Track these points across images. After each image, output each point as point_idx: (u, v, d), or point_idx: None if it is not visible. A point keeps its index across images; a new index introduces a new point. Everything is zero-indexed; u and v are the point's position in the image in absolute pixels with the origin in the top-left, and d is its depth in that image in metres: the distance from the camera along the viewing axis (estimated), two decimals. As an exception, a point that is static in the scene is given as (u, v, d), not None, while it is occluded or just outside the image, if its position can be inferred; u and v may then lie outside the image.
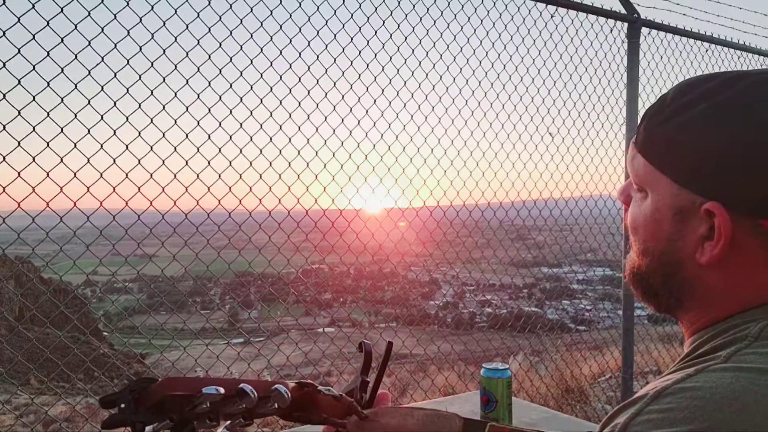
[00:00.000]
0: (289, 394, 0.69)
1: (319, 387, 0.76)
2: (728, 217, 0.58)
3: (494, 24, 3.45)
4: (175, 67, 2.49)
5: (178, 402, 0.62)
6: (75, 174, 2.29)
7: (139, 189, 2.42)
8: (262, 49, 2.72)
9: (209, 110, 2.56)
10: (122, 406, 0.61)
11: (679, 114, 0.62)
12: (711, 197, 0.59)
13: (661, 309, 0.69)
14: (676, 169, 0.62)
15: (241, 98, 2.69)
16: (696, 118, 0.60)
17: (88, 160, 2.30)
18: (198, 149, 2.55)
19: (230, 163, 2.67)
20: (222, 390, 0.63)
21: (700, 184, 0.60)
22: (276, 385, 0.69)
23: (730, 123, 0.58)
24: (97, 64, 2.30)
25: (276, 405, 0.69)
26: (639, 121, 0.69)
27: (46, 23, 2.19)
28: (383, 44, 3.05)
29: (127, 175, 2.39)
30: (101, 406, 0.62)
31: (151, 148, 2.43)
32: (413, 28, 3.13)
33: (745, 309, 0.61)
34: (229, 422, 0.70)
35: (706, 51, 4.30)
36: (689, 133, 0.60)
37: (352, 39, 2.93)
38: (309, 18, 2.82)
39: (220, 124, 2.62)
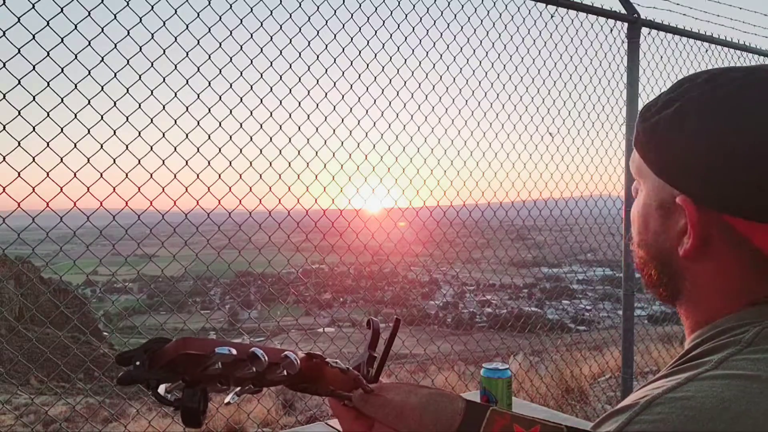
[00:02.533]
0: (299, 362, 0.69)
1: (328, 359, 0.77)
2: (695, 210, 0.60)
3: (494, 24, 3.46)
4: (175, 67, 2.49)
5: (191, 361, 0.63)
6: (75, 174, 2.29)
7: (139, 189, 2.42)
8: (262, 49, 2.72)
9: (209, 110, 2.57)
10: (137, 363, 0.61)
11: (662, 111, 0.65)
12: (681, 190, 0.61)
13: (663, 298, 0.71)
14: (662, 165, 0.64)
15: (241, 98, 2.69)
16: (672, 114, 0.63)
17: (88, 160, 2.30)
18: (198, 149, 2.55)
19: (230, 163, 2.67)
20: (234, 351, 0.63)
21: (673, 177, 0.62)
22: (286, 352, 0.69)
23: (697, 121, 0.60)
24: (97, 64, 2.30)
25: (285, 372, 0.69)
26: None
27: (46, 23, 2.19)
28: (383, 44, 3.05)
29: (127, 175, 2.39)
30: (117, 363, 0.62)
31: (151, 148, 2.43)
32: (413, 28, 3.13)
33: (737, 308, 0.60)
34: (238, 388, 0.70)
35: (706, 51, 4.30)
36: (666, 128, 0.63)
37: (352, 39, 2.93)
38: (309, 18, 2.82)
39: (220, 124, 2.62)
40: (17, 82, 2.15)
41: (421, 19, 3.15)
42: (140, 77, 2.38)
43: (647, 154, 0.66)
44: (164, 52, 2.48)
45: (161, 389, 0.63)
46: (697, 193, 0.60)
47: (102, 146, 2.32)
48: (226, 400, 0.72)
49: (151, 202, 2.50)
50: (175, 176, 2.53)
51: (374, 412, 0.79)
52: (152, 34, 2.44)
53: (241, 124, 2.69)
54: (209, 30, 2.53)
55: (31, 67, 2.17)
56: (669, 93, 0.66)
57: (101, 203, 2.35)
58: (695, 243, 0.61)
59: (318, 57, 2.88)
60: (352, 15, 2.93)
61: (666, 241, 0.65)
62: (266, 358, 0.65)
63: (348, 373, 0.79)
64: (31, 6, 2.16)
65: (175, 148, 2.51)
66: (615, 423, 0.54)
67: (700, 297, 0.64)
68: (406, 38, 3.11)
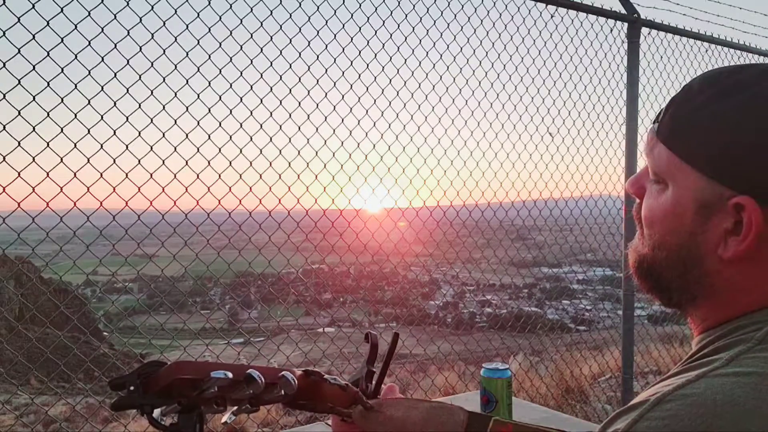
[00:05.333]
0: (296, 382, 0.69)
1: (326, 376, 0.76)
2: (760, 212, 0.56)
3: (494, 24, 3.45)
4: (175, 67, 2.49)
5: (186, 386, 0.63)
6: (75, 174, 2.29)
7: (139, 189, 2.42)
8: (262, 49, 2.72)
9: (209, 110, 2.56)
10: (131, 389, 0.61)
11: (712, 104, 0.60)
12: (742, 191, 0.57)
13: (670, 304, 0.68)
14: (706, 161, 0.59)
15: (241, 98, 2.69)
16: (732, 108, 0.58)
17: (88, 160, 2.30)
18: (198, 149, 2.55)
19: (230, 163, 2.67)
20: (230, 374, 0.63)
21: (732, 177, 0.58)
22: (283, 372, 0.69)
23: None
24: (97, 64, 2.30)
25: (283, 392, 0.69)
26: (662, 111, 0.66)
27: (46, 23, 2.19)
28: (383, 44, 3.05)
29: (127, 175, 2.39)
30: (111, 389, 0.62)
31: (151, 148, 2.43)
32: (413, 28, 3.13)
33: (758, 308, 0.60)
34: (235, 408, 0.70)
35: (706, 51, 4.30)
36: (724, 124, 0.58)
37: (352, 39, 2.93)
38: (309, 18, 2.82)
39: (220, 124, 2.62)
40: (17, 82, 2.15)
41: (421, 19, 3.15)
42: (140, 77, 2.38)
43: (687, 151, 0.61)
44: (164, 52, 2.47)
45: (156, 413, 0.64)
46: (764, 195, 0.56)
47: (102, 146, 2.32)
48: (223, 420, 0.72)
49: (151, 202, 2.50)
50: (175, 176, 2.53)
51: (375, 429, 0.78)
52: (152, 34, 2.44)
53: (241, 124, 2.69)
54: (209, 30, 2.53)
55: (31, 67, 2.17)
56: (709, 86, 0.61)
57: (101, 203, 2.35)
58: (751, 245, 0.57)
59: (318, 57, 2.88)
60: (352, 15, 2.93)
61: (704, 242, 0.61)
62: (263, 379, 0.65)
63: (347, 390, 0.78)
64: (31, 6, 2.16)
65: (175, 148, 2.51)
66: (625, 421, 0.53)
67: (727, 298, 0.62)
68: (406, 38, 3.11)
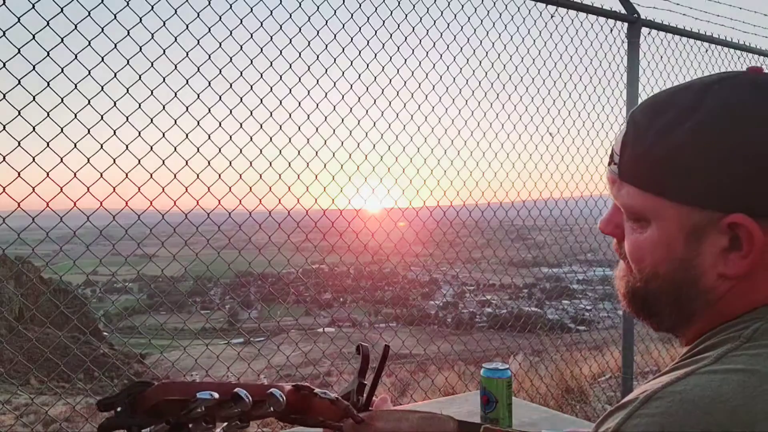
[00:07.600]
0: (284, 398, 0.70)
1: (316, 390, 0.76)
2: (758, 226, 0.57)
3: (494, 24, 3.46)
4: (175, 67, 2.49)
5: (173, 406, 0.63)
6: (75, 174, 2.29)
7: (139, 189, 2.42)
8: (262, 49, 2.72)
9: (209, 110, 2.56)
10: (119, 409, 0.62)
11: (668, 134, 0.60)
12: (733, 210, 0.57)
13: (661, 328, 0.68)
14: (683, 191, 0.59)
15: (241, 98, 2.69)
16: (688, 135, 0.58)
17: (88, 160, 2.30)
18: (198, 149, 2.55)
19: (230, 163, 2.67)
20: (216, 395, 0.64)
21: (718, 200, 0.58)
22: (271, 389, 0.70)
23: (731, 132, 0.57)
24: (97, 64, 2.30)
25: (271, 408, 0.69)
26: (614, 152, 0.65)
27: (46, 23, 2.19)
28: (383, 44, 3.05)
29: (127, 175, 2.39)
30: (99, 410, 0.63)
31: (151, 148, 2.43)
32: (413, 28, 3.13)
33: (748, 310, 0.60)
34: (225, 424, 0.70)
35: (706, 51, 4.30)
36: (686, 151, 0.58)
37: (352, 39, 2.93)
38: (309, 18, 2.82)
39: (220, 124, 2.62)
40: (17, 82, 2.15)
41: (421, 19, 3.15)
42: (140, 77, 2.38)
43: (659, 186, 0.61)
44: (164, 52, 2.47)
45: None
46: (756, 208, 0.57)
47: (102, 146, 2.32)
48: None
49: (151, 202, 2.50)
50: (175, 176, 2.53)
51: None
52: (152, 34, 2.44)
53: (241, 124, 2.70)
54: (209, 30, 2.53)
55: (31, 67, 2.17)
56: (656, 117, 0.61)
57: (101, 203, 2.35)
58: (755, 259, 0.58)
59: (318, 57, 2.88)
60: (352, 15, 2.93)
61: (699, 265, 0.61)
62: (250, 398, 0.66)
63: (337, 403, 0.78)
64: (31, 6, 2.16)
65: (175, 148, 2.51)
66: (615, 420, 0.54)
67: (720, 309, 0.62)
68: (406, 38, 3.11)
